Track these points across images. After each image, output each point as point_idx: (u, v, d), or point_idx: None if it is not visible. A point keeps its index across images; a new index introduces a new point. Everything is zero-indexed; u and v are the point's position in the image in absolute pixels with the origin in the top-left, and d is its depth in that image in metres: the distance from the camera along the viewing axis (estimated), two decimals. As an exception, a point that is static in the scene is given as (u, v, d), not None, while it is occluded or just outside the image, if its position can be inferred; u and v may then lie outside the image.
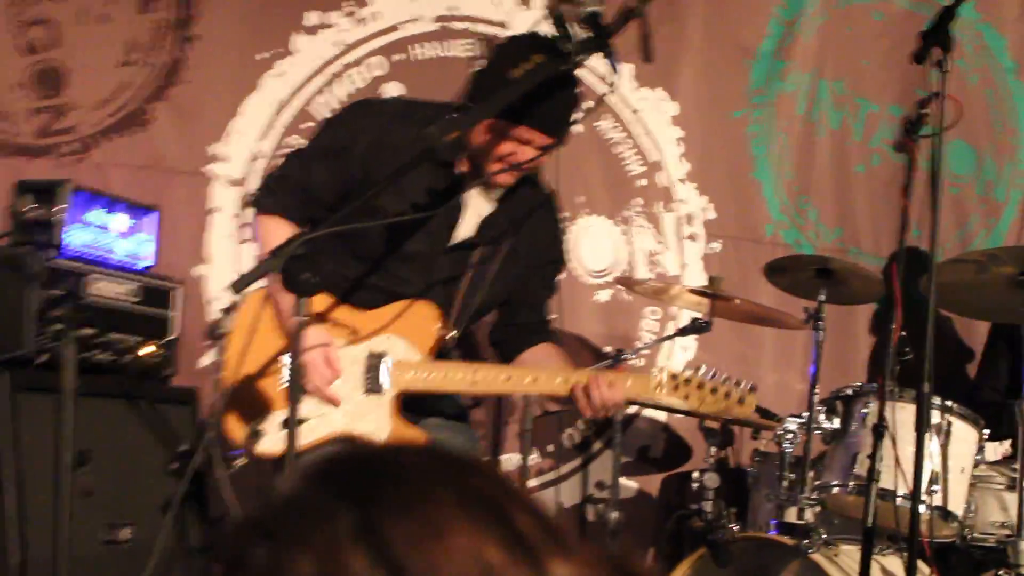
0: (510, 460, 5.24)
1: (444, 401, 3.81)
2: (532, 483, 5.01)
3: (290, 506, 1.05)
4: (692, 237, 5.61)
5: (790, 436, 4.49)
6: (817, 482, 4.37)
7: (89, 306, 3.95)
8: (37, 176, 4.52)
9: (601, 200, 5.52)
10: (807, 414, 4.41)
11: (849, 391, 4.48)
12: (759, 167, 5.73)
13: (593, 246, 5.50)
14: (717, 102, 5.70)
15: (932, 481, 4.20)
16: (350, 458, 1.08)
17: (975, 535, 4.38)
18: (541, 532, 1.04)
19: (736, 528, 4.45)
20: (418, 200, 3.60)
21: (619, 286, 5.44)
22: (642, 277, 5.46)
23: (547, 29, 5.23)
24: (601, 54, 3.67)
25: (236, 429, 3.54)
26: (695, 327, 4.69)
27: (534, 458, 5.11)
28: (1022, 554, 4.14)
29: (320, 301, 3.49)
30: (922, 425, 3.56)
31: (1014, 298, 4.43)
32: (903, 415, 3.95)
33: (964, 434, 4.31)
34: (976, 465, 4.37)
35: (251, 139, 5.11)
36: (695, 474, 4.72)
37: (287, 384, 3.58)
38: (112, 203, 4.29)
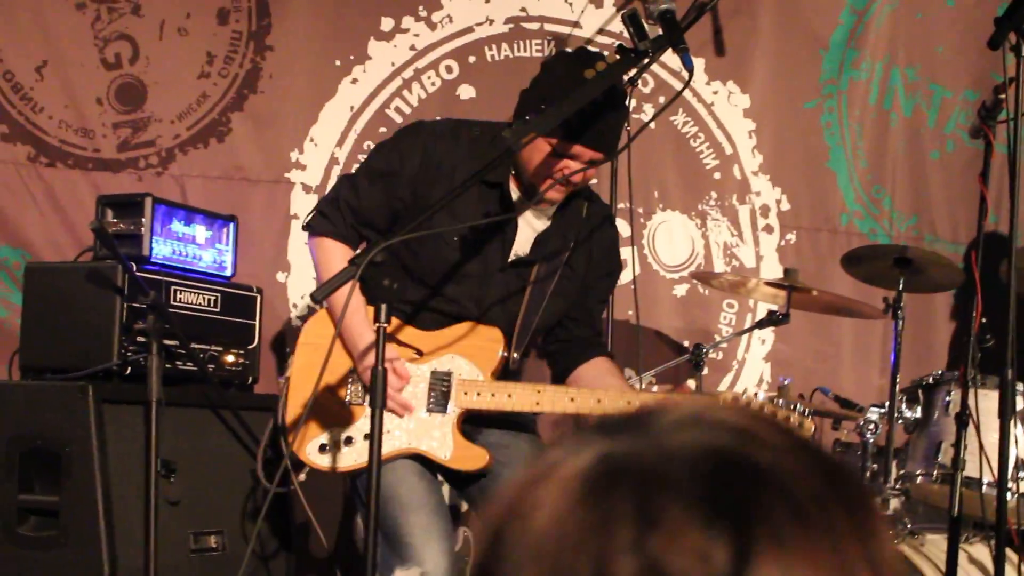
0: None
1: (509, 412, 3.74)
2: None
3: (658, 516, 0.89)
4: (767, 229, 5.49)
5: (872, 426, 4.40)
6: (901, 471, 4.30)
7: (172, 317, 3.91)
8: (118, 190, 4.52)
9: (676, 195, 5.42)
10: (888, 403, 4.32)
11: (930, 379, 4.41)
12: (833, 157, 5.60)
13: (669, 241, 5.41)
14: (789, 93, 5.58)
15: (1018, 468, 4.11)
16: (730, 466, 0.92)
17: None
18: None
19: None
20: (471, 221, 3.54)
21: (696, 280, 5.34)
22: (718, 271, 5.36)
23: (619, 27, 5.21)
24: (674, 51, 3.60)
25: (301, 445, 3.50)
26: (773, 319, 4.61)
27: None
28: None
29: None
30: (1006, 412, 3.47)
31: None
32: (986, 402, 3.84)
33: (1049, 420, 4.22)
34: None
35: (329, 146, 5.07)
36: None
37: (350, 400, 3.54)
38: (191, 214, 4.27)
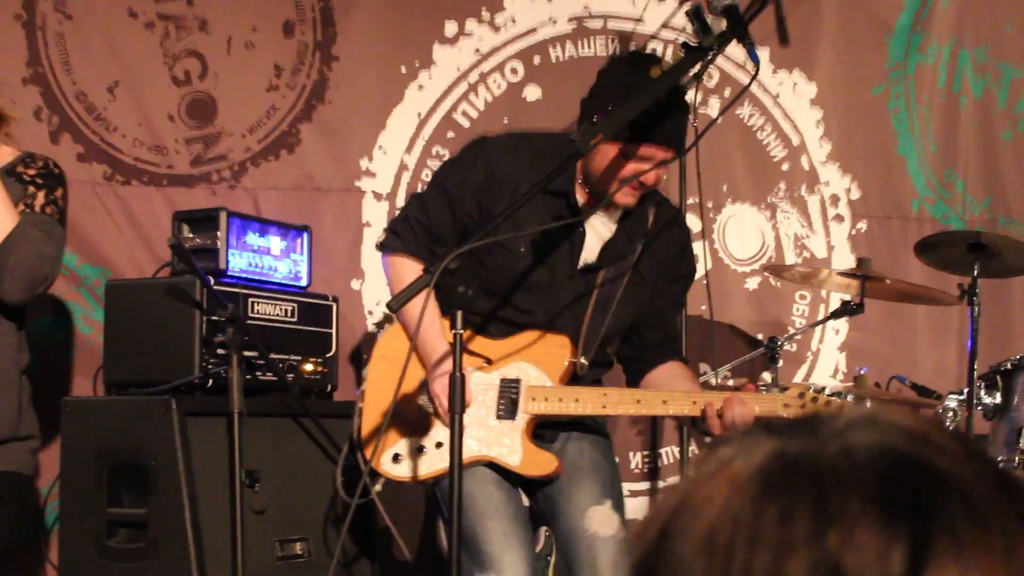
0: (668, 453, 5.15)
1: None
2: (696, 470, 4.89)
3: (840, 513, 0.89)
4: (838, 218, 5.44)
5: (951, 414, 4.35)
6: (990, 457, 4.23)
7: (251, 329, 3.95)
8: (193, 205, 4.56)
9: (745, 187, 5.39)
10: (967, 390, 4.27)
11: (1008, 365, 4.34)
12: (902, 143, 5.54)
13: (740, 234, 5.37)
14: (856, 80, 5.53)
15: (1100, 451, 4.06)
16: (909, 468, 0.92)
17: None
18: None
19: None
20: (533, 237, 3.54)
21: (767, 273, 5.31)
22: (790, 262, 5.32)
23: (682, 22, 5.19)
24: (740, 44, 3.59)
25: (377, 456, 3.53)
26: (847, 309, 4.57)
27: (692, 449, 5.00)
28: None
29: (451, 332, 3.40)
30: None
31: None
32: (1067, 386, 3.81)
33: None
34: None
35: (398, 152, 5.09)
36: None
37: (422, 411, 3.55)
38: (266, 226, 4.30)
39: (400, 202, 4.95)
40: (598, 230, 3.61)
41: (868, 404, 3.65)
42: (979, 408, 4.29)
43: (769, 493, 0.90)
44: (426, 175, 5.01)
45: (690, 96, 3.95)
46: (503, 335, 3.60)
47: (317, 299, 4.33)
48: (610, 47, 5.27)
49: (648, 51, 5.27)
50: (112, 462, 3.84)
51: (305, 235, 4.43)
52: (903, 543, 0.86)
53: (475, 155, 3.62)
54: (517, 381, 3.57)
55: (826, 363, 5.31)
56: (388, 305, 3.22)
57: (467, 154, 3.65)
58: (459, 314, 3.07)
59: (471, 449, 3.50)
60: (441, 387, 3.40)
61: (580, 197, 3.58)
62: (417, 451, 3.52)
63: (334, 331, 4.34)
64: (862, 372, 4.64)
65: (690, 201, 4.86)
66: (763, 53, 5.21)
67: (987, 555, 0.87)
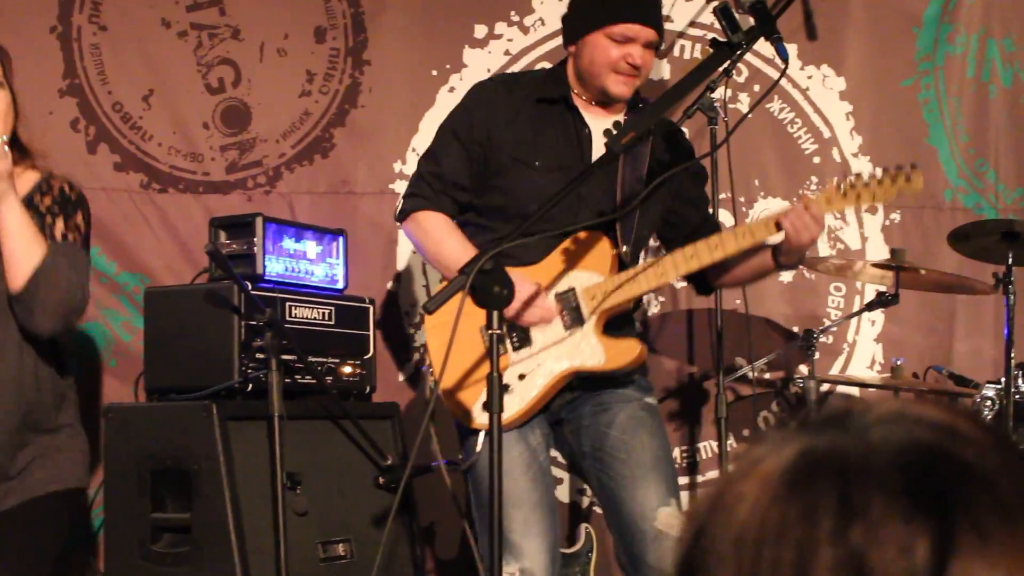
0: (707, 447, 5.12)
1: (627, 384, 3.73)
2: (732, 468, 4.86)
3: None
4: (871, 210, 5.40)
5: (988, 402, 4.32)
6: (1021, 447, 4.19)
7: (289, 332, 3.94)
8: (229, 211, 4.56)
9: (777, 181, 5.35)
10: (1004, 379, 4.23)
11: (1045, 352, 4.31)
12: (932, 134, 5.48)
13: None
14: (884, 73, 5.48)
15: None
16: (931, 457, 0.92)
17: None
18: None
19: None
20: (550, 143, 3.67)
21: (802, 266, 5.26)
22: (824, 255, 5.28)
23: (709, 19, 5.16)
24: (768, 41, 3.58)
25: (468, 414, 3.53)
26: (882, 300, 4.55)
27: (731, 443, 4.97)
28: None
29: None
30: None
31: None
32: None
33: None
34: None
35: (431, 154, 5.08)
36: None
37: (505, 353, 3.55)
38: (301, 231, 4.30)
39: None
40: (604, 128, 3.72)
41: (899, 396, 3.64)
42: (1017, 396, 4.25)
43: (794, 491, 0.90)
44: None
45: (720, 92, 3.94)
46: (543, 253, 3.62)
47: (354, 302, 4.33)
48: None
49: (676, 49, 5.25)
50: (154, 468, 3.84)
51: (341, 239, 4.42)
52: (927, 537, 0.85)
53: (473, 95, 3.78)
54: (571, 289, 3.59)
55: (862, 354, 5.26)
56: (424, 307, 3.21)
57: (465, 98, 3.80)
58: (495, 315, 3.06)
59: (558, 369, 3.55)
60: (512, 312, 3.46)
61: (577, 103, 3.72)
62: (503, 390, 3.49)
63: (371, 333, 4.34)
64: (899, 363, 4.61)
65: (722, 196, 4.82)
66: (792, 49, 5.17)
67: (1015, 549, 0.86)
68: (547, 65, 5.16)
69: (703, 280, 3.86)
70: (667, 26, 5.22)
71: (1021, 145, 5.57)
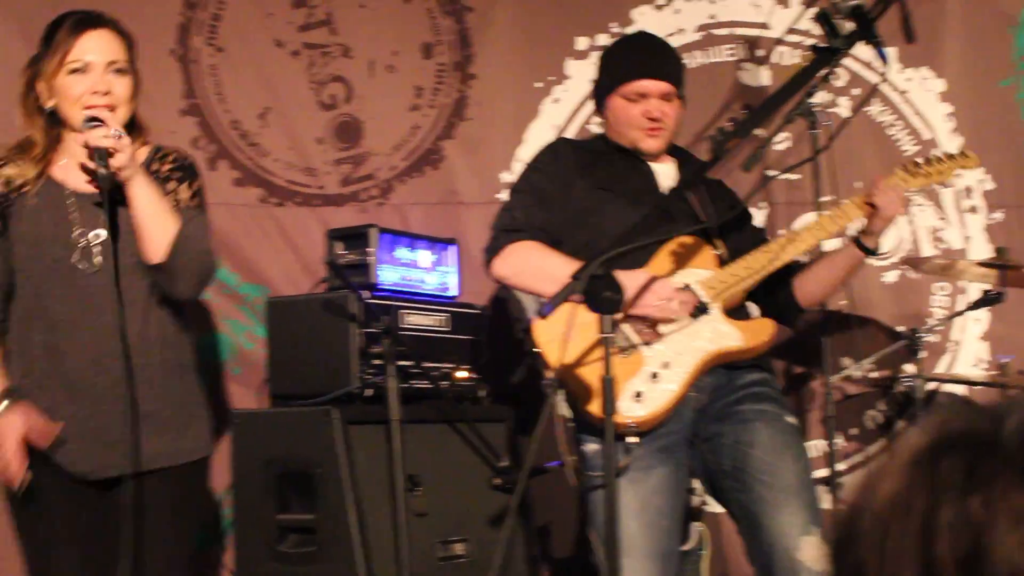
0: (815, 446, 5.10)
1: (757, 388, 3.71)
2: (840, 467, 4.84)
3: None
4: (973, 209, 5.34)
5: (1097, 399, 4.24)
6: None
7: (405, 339, 4.00)
8: (343, 223, 4.63)
9: (878, 183, 5.31)
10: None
11: None
12: (1033, 133, 5.42)
13: (875, 229, 5.30)
14: (983, 73, 5.42)
15: None
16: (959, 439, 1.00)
17: None
18: None
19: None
20: (623, 178, 3.75)
21: (905, 266, 5.23)
22: (927, 255, 5.23)
23: (807, 25, 5.14)
24: (868, 44, 3.57)
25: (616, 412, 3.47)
26: (987, 299, 4.49)
27: (838, 442, 4.95)
28: None
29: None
30: None
31: None
32: None
33: None
34: None
35: (536, 164, 5.12)
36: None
37: (626, 351, 3.54)
38: (414, 240, 4.36)
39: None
40: (663, 173, 3.79)
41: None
42: None
43: (926, 465, 0.96)
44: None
45: (820, 97, 3.94)
46: (646, 259, 3.62)
47: (466, 308, 4.38)
48: (739, 53, 5.25)
49: (775, 55, 5.24)
50: (279, 470, 3.92)
51: (453, 247, 4.48)
52: None
53: (545, 152, 3.85)
54: (687, 285, 3.59)
55: (968, 353, 5.21)
56: (538, 312, 3.23)
57: (537, 158, 3.85)
58: (607, 319, 3.08)
59: (701, 352, 3.53)
60: (639, 307, 3.48)
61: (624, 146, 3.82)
62: (651, 377, 3.50)
63: (484, 338, 4.38)
64: (1007, 360, 4.55)
65: (825, 199, 4.81)
66: (890, 52, 5.13)
67: None
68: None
69: (789, 304, 3.81)
70: (765, 33, 5.22)
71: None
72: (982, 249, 5.23)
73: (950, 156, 3.81)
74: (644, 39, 3.98)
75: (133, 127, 3.36)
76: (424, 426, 4.05)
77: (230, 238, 4.89)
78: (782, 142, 5.18)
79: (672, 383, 3.46)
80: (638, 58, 3.76)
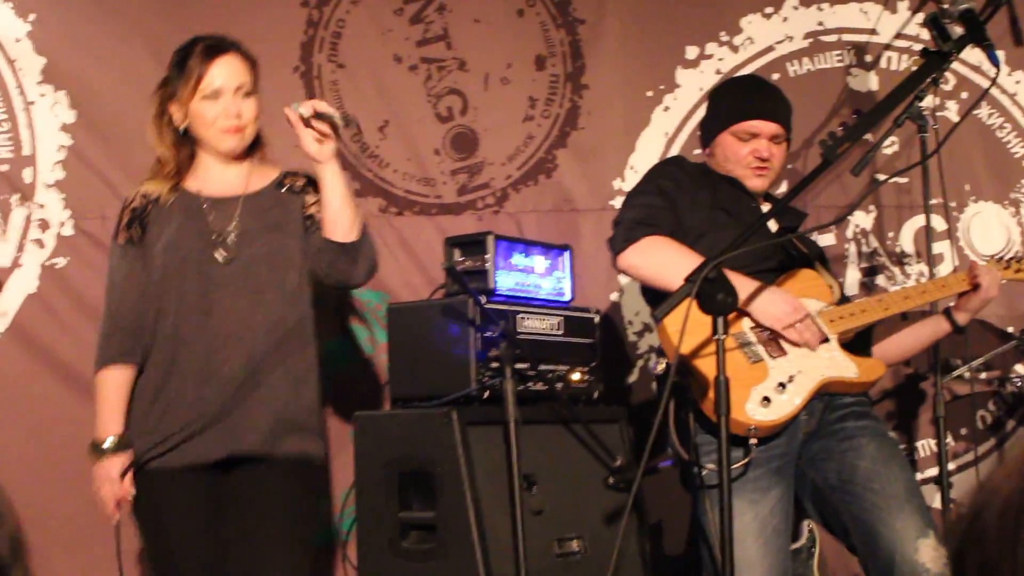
0: (925, 446, 5.03)
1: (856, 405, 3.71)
2: (951, 466, 4.78)
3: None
4: (1082, 210, 5.24)
5: None
6: None
7: (521, 343, 4.03)
8: (461, 231, 4.67)
9: (987, 185, 5.24)
10: None
11: None
12: None
13: (984, 231, 5.22)
14: (1091, 75, 5.32)
15: None
16: None
17: None
18: None
19: None
20: (731, 201, 3.82)
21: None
22: (1037, 256, 5.15)
23: (915, 30, 5.09)
24: (979, 48, 3.54)
25: (737, 413, 3.49)
26: (1098, 300, 4.41)
27: (948, 442, 4.88)
28: None
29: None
30: None
31: None
32: None
33: None
34: None
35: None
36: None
37: (753, 361, 3.56)
38: (529, 247, 4.38)
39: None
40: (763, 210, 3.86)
41: None
42: None
43: None
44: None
45: (928, 101, 3.89)
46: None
47: (580, 312, 4.39)
48: (847, 59, 5.21)
49: (883, 60, 5.19)
50: (401, 470, 3.96)
51: (567, 253, 4.49)
52: None
53: (667, 165, 4.00)
54: (808, 314, 3.63)
55: (1080, 354, 5.11)
56: (654, 315, 3.25)
57: (655, 169, 3.99)
58: (720, 322, 3.08)
59: (818, 376, 3.58)
60: (768, 316, 3.56)
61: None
62: (778, 387, 3.54)
63: (598, 342, 4.39)
64: (1118, 361, 4.46)
65: (934, 202, 4.76)
66: (999, 55, 5.05)
67: None
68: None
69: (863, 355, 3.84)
70: (873, 39, 5.18)
71: None
72: (1092, 250, 5.13)
73: None
74: (757, 81, 4.09)
75: (257, 143, 3.52)
76: (540, 427, 4.07)
77: (353, 247, 4.95)
78: (891, 146, 5.12)
79: (796, 396, 3.50)
80: (752, 99, 3.84)
